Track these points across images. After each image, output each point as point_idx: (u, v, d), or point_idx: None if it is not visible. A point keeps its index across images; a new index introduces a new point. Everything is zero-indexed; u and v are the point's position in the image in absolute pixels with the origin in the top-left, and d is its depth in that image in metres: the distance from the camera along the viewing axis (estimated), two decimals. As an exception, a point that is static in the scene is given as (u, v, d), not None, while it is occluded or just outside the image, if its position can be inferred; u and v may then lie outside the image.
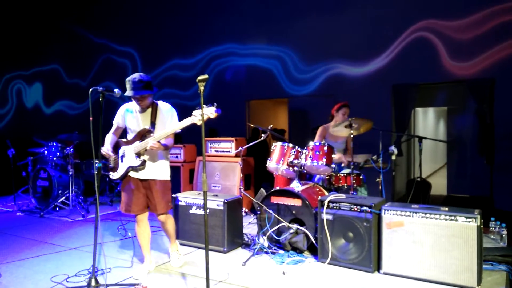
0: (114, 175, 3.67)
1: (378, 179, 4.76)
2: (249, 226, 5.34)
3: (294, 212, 4.31)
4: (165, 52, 8.85)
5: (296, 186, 4.44)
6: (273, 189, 4.56)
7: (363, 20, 6.78)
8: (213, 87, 8.27)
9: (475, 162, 7.13)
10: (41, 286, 3.47)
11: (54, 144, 6.85)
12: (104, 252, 3.89)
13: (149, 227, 3.82)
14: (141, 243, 3.78)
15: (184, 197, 4.61)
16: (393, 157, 4.89)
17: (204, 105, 3.12)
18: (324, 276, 3.61)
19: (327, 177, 4.88)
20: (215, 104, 3.13)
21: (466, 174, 7.99)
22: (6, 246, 4.68)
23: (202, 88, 2.87)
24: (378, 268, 3.66)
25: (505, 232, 4.24)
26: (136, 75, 3.43)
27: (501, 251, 3.86)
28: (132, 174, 3.60)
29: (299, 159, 4.57)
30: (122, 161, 3.62)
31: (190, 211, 4.53)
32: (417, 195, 5.25)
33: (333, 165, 4.57)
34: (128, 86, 3.43)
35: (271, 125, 5.35)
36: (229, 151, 6.46)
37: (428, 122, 12.65)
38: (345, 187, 4.73)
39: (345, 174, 4.79)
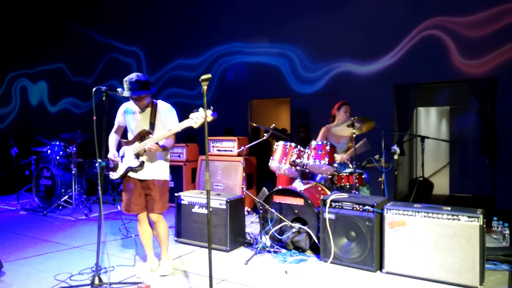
0: (113, 175, 3.69)
1: (380, 179, 4.77)
2: (252, 225, 5.35)
3: (296, 211, 4.32)
4: (170, 51, 8.87)
5: (298, 185, 4.44)
6: (276, 188, 4.57)
7: (370, 19, 6.73)
8: (218, 87, 8.27)
9: (478, 162, 7.13)
10: (45, 284, 3.49)
11: (57, 143, 6.87)
12: (107, 250, 3.90)
13: (151, 226, 3.82)
14: (143, 242, 3.79)
15: (187, 196, 4.62)
16: (396, 157, 4.89)
17: (201, 109, 3.13)
18: (326, 275, 3.62)
19: (329, 177, 4.89)
20: (211, 107, 3.14)
21: (468, 174, 7.98)
22: (9, 244, 4.70)
23: (205, 87, 2.88)
24: (380, 267, 3.67)
25: (507, 231, 4.23)
26: (133, 75, 3.43)
27: (503, 251, 3.86)
28: (131, 174, 3.61)
29: (302, 158, 4.57)
30: (121, 161, 3.63)
31: (193, 210, 4.54)
32: (419, 194, 5.25)
33: (335, 165, 4.57)
34: (125, 86, 3.43)
35: (273, 125, 5.35)
36: (231, 150, 6.47)
37: (430, 121, 12.64)
38: (348, 186, 4.74)
39: (347, 174, 4.79)
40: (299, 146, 4.65)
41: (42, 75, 11.13)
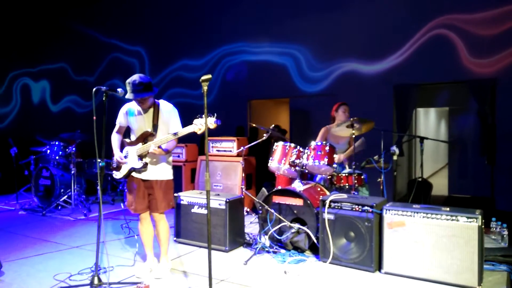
0: (117, 175, 3.70)
1: (379, 179, 4.78)
2: (251, 225, 5.35)
3: (295, 211, 4.32)
4: (174, 51, 8.84)
5: (297, 185, 4.45)
6: (275, 188, 4.58)
7: (375, 18, 6.67)
8: (221, 87, 8.26)
9: (477, 163, 7.14)
10: (44, 284, 3.49)
11: (57, 143, 6.87)
12: (107, 250, 3.91)
13: (152, 226, 3.83)
14: (144, 241, 3.80)
15: (186, 196, 4.63)
16: (395, 157, 4.91)
17: (200, 115, 3.14)
18: (325, 276, 3.63)
19: (328, 177, 4.90)
20: (215, 114, 3.14)
21: (467, 175, 7.99)
22: (8, 244, 4.70)
23: (205, 88, 2.89)
24: (379, 267, 3.68)
25: (506, 232, 4.25)
26: (135, 77, 3.43)
27: (502, 251, 3.88)
28: (134, 174, 3.62)
29: (301, 158, 4.58)
30: (126, 162, 3.64)
31: (192, 210, 4.54)
32: (418, 195, 5.26)
33: (334, 165, 4.58)
34: (128, 88, 3.44)
35: (273, 125, 5.36)
36: (230, 151, 6.48)
37: (429, 122, 12.66)
38: (347, 187, 4.74)
39: (346, 174, 4.80)
40: (298, 147, 4.66)
41: (44, 74, 11.09)
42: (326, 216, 3.90)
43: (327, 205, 3.91)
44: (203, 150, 7.27)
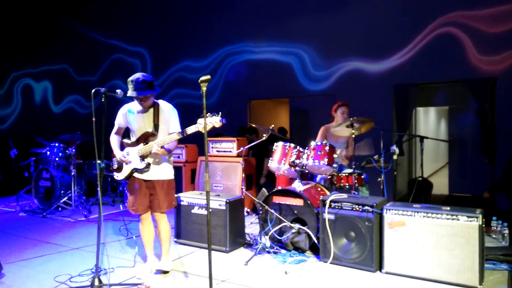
0: (118, 176, 3.69)
1: (379, 179, 4.77)
2: (251, 226, 5.35)
3: (296, 211, 4.32)
4: (176, 52, 8.85)
5: (297, 186, 4.45)
6: (275, 189, 4.57)
7: (377, 17, 6.69)
8: (223, 87, 8.26)
9: (477, 162, 7.14)
10: (45, 285, 3.49)
11: (56, 144, 6.87)
12: (107, 252, 3.90)
13: (153, 226, 3.83)
14: (145, 242, 3.80)
15: (186, 197, 4.62)
16: (395, 157, 4.90)
17: (209, 114, 3.13)
18: (326, 276, 3.62)
19: (328, 177, 4.89)
20: (220, 113, 3.14)
21: (467, 174, 7.99)
22: (9, 246, 4.70)
23: (204, 88, 2.88)
24: (380, 267, 3.67)
25: (506, 231, 4.24)
26: (138, 75, 3.43)
27: (502, 250, 3.87)
28: (136, 175, 3.62)
29: (301, 159, 4.58)
30: (126, 163, 3.63)
31: (192, 211, 4.54)
32: (418, 194, 5.26)
33: (334, 165, 4.58)
34: (130, 86, 3.43)
35: (273, 125, 5.35)
36: (230, 151, 6.47)
37: (429, 121, 12.66)
38: (347, 186, 4.74)
39: (346, 174, 4.79)
40: (298, 147, 4.66)
41: (46, 75, 11.09)
42: (327, 216, 3.90)
43: (327, 205, 3.91)
44: (203, 151, 7.26)
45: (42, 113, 11.07)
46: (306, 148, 4.63)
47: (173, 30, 8.89)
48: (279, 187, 4.61)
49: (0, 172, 8.29)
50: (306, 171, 4.74)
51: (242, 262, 3.97)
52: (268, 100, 8.94)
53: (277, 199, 4.44)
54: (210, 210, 4.28)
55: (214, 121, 3.17)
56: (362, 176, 4.80)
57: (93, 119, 3.30)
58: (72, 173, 6.45)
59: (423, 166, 5.08)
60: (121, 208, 6.72)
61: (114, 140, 3.71)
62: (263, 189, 5.52)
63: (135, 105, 3.62)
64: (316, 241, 4.09)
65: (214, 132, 7.08)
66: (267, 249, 4.22)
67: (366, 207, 3.71)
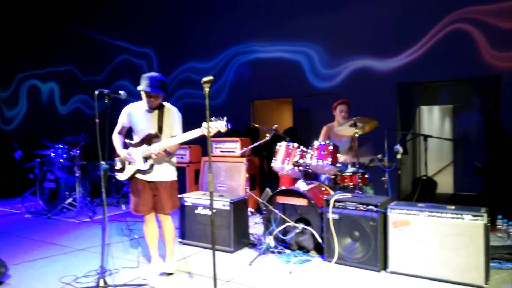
0: (121, 176, 3.69)
1: (383, 178, 4.76)
2: (255, 226, 5.35)
3: (299, 211, 4.32)
4: (182, 53, 8.86)
5: (301, 185, 4.44)
6: (279, 189, 4.57)
7: (383, 16, 6.65)
8: (230, 88, 8.26)
9: (481, 160, 7.10)
10: (50, 287, 3.51)
11: (61, 146, 6.90)
12: (112, 252, 3.92)
13: (157, 227, 3.83)
14: (149, 243, 3.81)
15: (190, 198, 4.63)
16: (399, 156, 4.89)
17: (214, 118, 3.12)
18: (330, 275, 3.62)
19: (332, 176, 4.88)
20: (225, 117, 3.13)
21: (472, 172, 7.93)
22: (14, 247, 4.73)
23: (207, 89, 2.88)
24: (384, 267, 3.66)
25: (512, 230, 4.22)
26: (155, 74, 3.48)
27: (508, 249, 3.85)
28: (139, 176, 3.62)
29: (304, 158, 4.57)
30: (129, 163, 3.64)
31: (196, 212, 4.55)
32: (423, 193, 5.24)
33: (338, 164, 4.56)
34: (145, 81, 3.43)
35: (276, 125, 5.34)
36: (234, 151, 6.47)
37: (433, 120, 12.61)
38: (351, 186, 4.73)
39: (350, 173, 4.78)
40: (301, 147, 4.65)
41: (52, 76, 11.13)
42: (331, 215, 3.89)
43: (331, 205, 3.90)
44: (206, 151, 7.26)
45: (48, 114, 11.10)
46: (310, 147, 4.63)
47: (179, 31, 8.90)
48: (283, 187, 4.61)
49: (5, 174, 8.35)
50: (310, 170, 4.73)
51: (246, 262, 3.97)
52: (271, 100, 8.94)
53: (281, 199, 4.44)
54: (214, 210, 4.30)
55: (220, 125, 3.13)
56: (366, 176, 4.79)
57: (97, 120, 3.30)
58: (77, 175, 6.47)
59: (427, 165, 5.06)
60: (123, 208, 6.75)
61: (117, 139, 3.71)
62: (267, 189, 5.52)
63: (140, 105, 3.62)
64: (320, 241, 4.09)
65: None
66: (271, 249, 4.22)
67: (370, 207, 3.70)
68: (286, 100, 9.34)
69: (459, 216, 3.33)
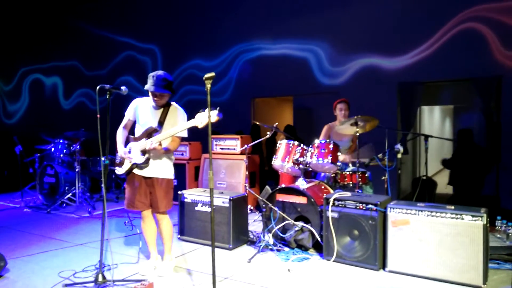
0: (119, 170, 3.69)
1: (383, 177, 4.76)
2: (254, 223, 5.35)
3: (299, 209, 4.32)
4: (188, 49, 8.84)
5: (301, 184, 4.44)
6: (278, 186, 4.57)
7: (388, 15, 6.63)
8: (235, 85, 8.25)
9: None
10: (49, 281, 3.50)
11: (61, 141, 6.90)
12: (111, 248, 3.92)
13: (155, 223, 3.83)
14: (147, 239, 3.80)
15: (190, 194, 4.63)
16: (399, 155, 4.88)
17: (203, 109, 3.12)
18: (329, 274, 3.62)
19: (332, 175, 4.89)
20: (218, 108, 3.13)
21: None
22: (13, 241, 4.73)
23: (208, 86, 2.88)
24: (383, 266, 3.67)
25: (511, 230, 4.21)
26: (161, 72, 3.46)
27: (507, 250, 3.85)
28: (136, 171, 3.62)
29: (305, 157, 4.57)
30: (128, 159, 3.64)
31: (196, 208, 4.55)
32: (422, 193, 5.24)
33: (338, 163, 4.56)
34: (150, 80, 3.43)
35: (277, 123, 5.34)
36: (234, 149, 6.47)
37: (434, 120, 12.59)
38: (351, 185, 4.73)
39: (350, 172, 4.79)
40: (302, 145, 4.65)
41: (56, 70, 11.11)
42: (330, 214, 3.89)
43: (331, 203, 3.90)
44: (206, 148, 7.27)
45: (51, 108, 11.09)
46: (310, 146, 4.62)
47: (185, 28, 8.88)
48: (283, 185, 4.61)
49: (5, 168, 8.35)
50: (310, 169, 4.73)
51: (245, 260, 3.98)
52: (272, 98, 8.94)
53: (280, 197, 4.44)
54: (214, 207, 4.30)
55: (211, 115, 3.14)
56: (366, 175, 4.79)
57: (98, 115, 3.30)
58: (77, 170, 6.47)
59: (427, 164, 5.06)
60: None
61: (120, 135, 3.70)
62: (267, 186, 5.52)
63: (148, 101, 3.62)
64: (319, 239, 4.09)
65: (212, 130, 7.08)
66: (270, 247, 4.22)
67: (370, 206, 3.70)
68: (286, 98, 9.34)
69: (458, 216, 3.33)
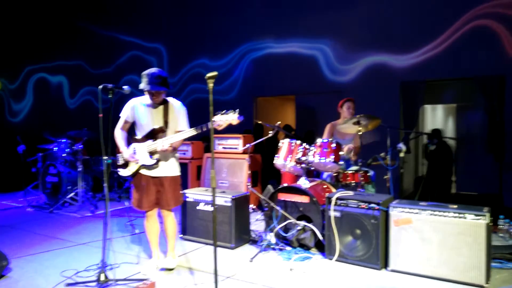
0: (124, 172, 3.66)
1: (386, 176, 4.75)
2: (256, 222, 5.35)
3: (301, 209, 4.31)
4: (194, 49, 8.84)
5: (303, 183, 4.44)
6: (281, 186, 4.57)
7: (391, 15, 6.61)
8: (243, 84, 8.25)
9: (484, 160, 7.07)
10: (51, 280, 3.51)
11: (64, 140, 6.91)
12: (113, 247, 3.93)
13: (158, 223, 3.84)
14: (150, 239, 3.81)
15: (192, 194, 4.63)
16: (401, 155, 4.87)
17: (225, 111, 3.11)
18: (331, 273, 3.62)
19: (334, 174, 4.88)
20: (238, 110, 3.12)
21: (475, 172, 7.91)
22: (16, 241, 4.74)
23: (211, 85, 2.88)
24: (385, 265, 3.66)
25: (514, 230, 4.21)
26: (154, 70, 3.43)
27: (509, 249, 3.84)
28: (143, 171, 3.61)
29: (307, 156, 4.57)
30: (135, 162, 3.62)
31: (198, 208, 4.55)
32: (425, 192, 5.23)
33: (340, 162, 4.56)
34: (145, 79, 3.42)
35: (279, 122, 5.34)
36: (236, 148, 6.47)
37: (436, 119, 12.55)
38: (353, 184, 4.71)
39: (352, 171, 4.77)
40: (304, 144, 4.64)
41: (61, 70, 11.11)
42: (332, 213, 3.89)
43: (333, 203, 3.90)
44: (209, 147, 7.27)
45: (56, 107, 11.10)
46: (312, 145, 4.62)
47: (191, 27, 8.88)
48: (285, 184, 4.60)
49: (9, 168, 8.37)
50: (312, 168, 4.73)
51: (247, 259, 3.98)
52: (275, 97, 8.93)
53: (282, 196, 4.44)
54: (216, 206, 4.29)
55: (231, 118, 3.11)
56: (368, 174, 4.78)
57: (100, 115, 3.30)
58: (79, 169, 6.48)
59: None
60: (126, 204, 6.76)
61: (120, 136, 3.66)
62: (269, 186, 5.53)
63: (145, 100, 3.60)
64: (321, 238, 4.09)
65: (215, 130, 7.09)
66: (272, 246, 4.22)
67: (372, 205, 3.70)
68: (289, 98, 9.33)
69: (461, 215, 3.32)
